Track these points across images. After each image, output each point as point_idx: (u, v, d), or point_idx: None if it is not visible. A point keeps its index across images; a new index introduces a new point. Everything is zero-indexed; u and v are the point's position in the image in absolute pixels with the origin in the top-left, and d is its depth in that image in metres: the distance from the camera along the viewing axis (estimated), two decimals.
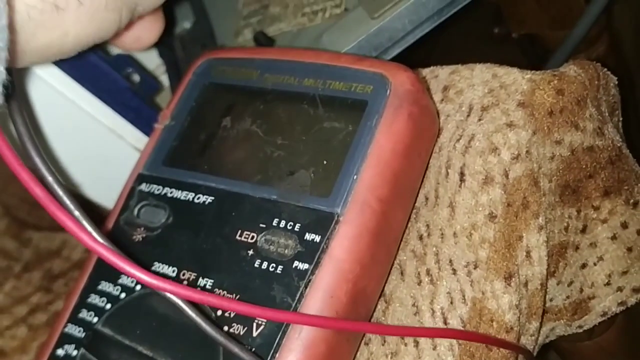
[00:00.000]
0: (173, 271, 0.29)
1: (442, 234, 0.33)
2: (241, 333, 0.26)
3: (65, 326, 0.30)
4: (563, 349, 0.50)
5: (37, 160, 0.26)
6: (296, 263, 0.27)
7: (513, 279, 0.32)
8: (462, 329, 0.31)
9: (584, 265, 0.39)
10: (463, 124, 0.34)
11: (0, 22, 0.19)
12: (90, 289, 0.30)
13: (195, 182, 0.31)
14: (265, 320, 0.26)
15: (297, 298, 0.26)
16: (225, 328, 0.27)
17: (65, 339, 0.29)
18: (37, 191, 0.23)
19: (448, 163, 0.33)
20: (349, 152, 0.29)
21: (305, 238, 0.27)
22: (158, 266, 0.29)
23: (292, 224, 0.28)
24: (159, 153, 0.33)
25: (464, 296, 0.32)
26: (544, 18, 0.61)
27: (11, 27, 0.21)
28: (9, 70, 0.22)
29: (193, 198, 0.30)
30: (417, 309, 0.32)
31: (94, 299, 0.30)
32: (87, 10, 0.24)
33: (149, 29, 0.31)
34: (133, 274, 0.23)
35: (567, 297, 0.39)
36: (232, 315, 0.27)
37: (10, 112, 0.27)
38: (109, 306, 0.29)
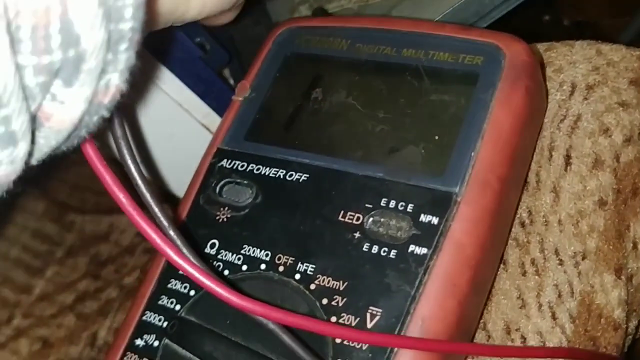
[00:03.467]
0: (266, 255, 0.26)
1: (545, 221, 0.30)
2: (353, 324, 0.23)
3: (142, 314, 0.27)
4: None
5: (130, 164, 0.23)
6: (412, 247, 0.24)
7: (623, 272, 0.30)
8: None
9: None
10: (566, 104, 0.31)
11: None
12: (169, 273, 0.27)
13: (285, 157, 0.28)
14: (380, 310, 0.23)
15: (415, 286, 0.23)
16: (334, 319, 0.24)
17: (143, 327, 0.27)
18: (122, 198, 0.20)
19: (551, 145, 0.31)
20: (463, 127, 0.26)
21: (420, 219, 0.25)
22: (248, 249, 0.26)
23: (403, 204, 0.25)
24: (240, 127, 0.30)
25: (572, 289, 0.29)
26: (602, 3, 0.58)
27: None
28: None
29: (284, 175, 0.28)
30: (523, 302, 0.29)
31: (175, 284, 0.27)
32: None
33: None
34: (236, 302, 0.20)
35: None
36: (340, 303, 0.24)
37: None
38: (193, 292, 0.26)
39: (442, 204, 0.25)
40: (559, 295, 0.29)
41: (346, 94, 0.29)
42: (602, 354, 0.28)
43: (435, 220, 0.24)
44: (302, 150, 0.28)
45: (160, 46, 0.32)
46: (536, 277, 0.29)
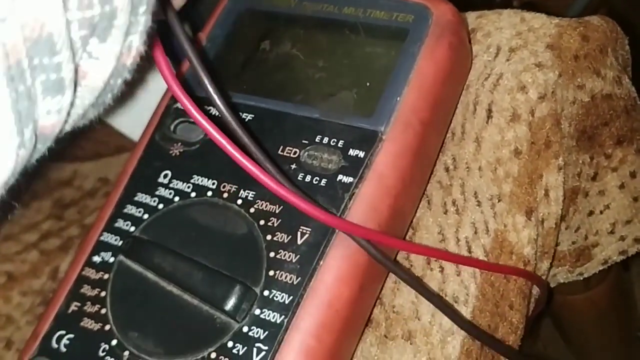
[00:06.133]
0: (213, 183, 0.29)
1: (467, 167, 0.34)
2: (285, 241, 0.27)
3: (100, 235, 0.30)
4: (555, 303, 0.52)
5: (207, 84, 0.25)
6: (340, 176, 0.28)
7: (533, 215, 0.33)
8: (484, 258, 0.32)
9: (591, 213, 0.40)
10: (491, 64, 0.35)
11: None
12: (126, 200, 0.30)
13: (234, 100, 0.31)
14: (310, 229, 0.27)
15: (341, 209, 0.27)
16: (269, 237, 0.27)
17: (101, 246, 0.30)
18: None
19: (476, 100, 0.34)
20: (392, 76, 0.29)
21: (349, 153, 0.28)
22: (197, 179, 0.30)
23: (335, 140, 0.28)
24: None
25: (487, 227, 0.33)
26: None
27: None
28: None
29: None
30: (443, 237, 0.33)
31: (131, 209, 0.30)
32: None
33: None
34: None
35: (573, 242, 0.41)
36: (275, 224, 0.27)
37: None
38: (146, 216, 0.29)
39: (369, 140, 0.28)
40: (475, 232, 0.33)
41: (291, 46, 0.32)
42: (520, 269, 0.32)
43: (361, 154, 0.28)
44: (249, 94, 0.31)
45: None
46: (456, 215, 0.33)
